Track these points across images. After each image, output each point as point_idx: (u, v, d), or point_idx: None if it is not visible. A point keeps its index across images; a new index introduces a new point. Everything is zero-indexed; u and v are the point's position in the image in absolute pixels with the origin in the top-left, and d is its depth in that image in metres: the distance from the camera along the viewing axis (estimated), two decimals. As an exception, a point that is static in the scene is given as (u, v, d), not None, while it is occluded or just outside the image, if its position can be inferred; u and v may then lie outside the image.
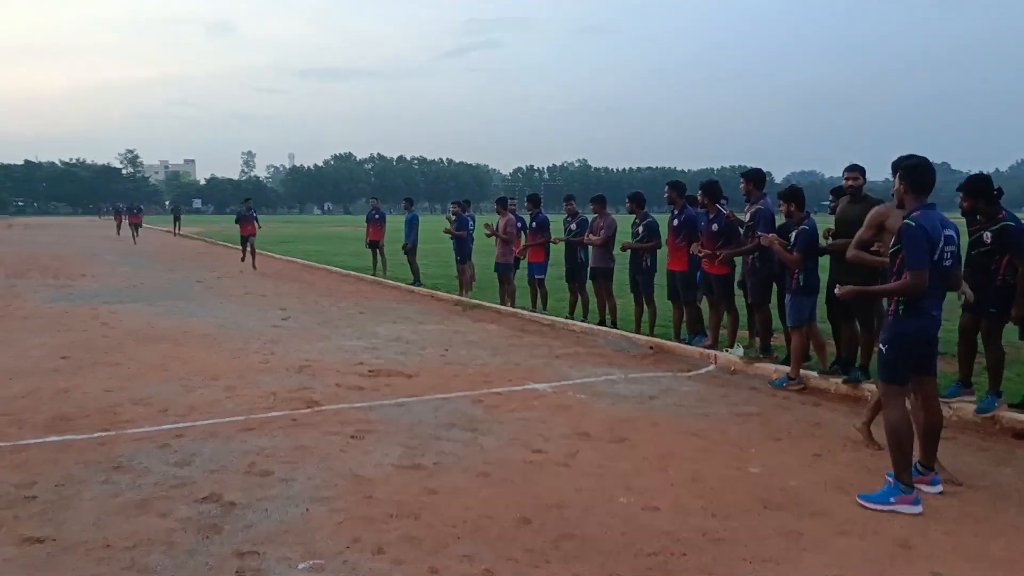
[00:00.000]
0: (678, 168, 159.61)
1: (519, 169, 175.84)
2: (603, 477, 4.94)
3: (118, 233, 39.66)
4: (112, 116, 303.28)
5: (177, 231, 42.64)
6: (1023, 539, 4.05)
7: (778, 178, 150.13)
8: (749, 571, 3.71)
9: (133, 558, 3.76)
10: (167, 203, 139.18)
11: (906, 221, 4.44)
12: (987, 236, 6.02)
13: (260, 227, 22.46)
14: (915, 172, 4.53)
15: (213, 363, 8.33)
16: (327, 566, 3.70)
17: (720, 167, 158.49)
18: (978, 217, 6.14)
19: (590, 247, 10.85)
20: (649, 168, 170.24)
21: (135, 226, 37.02)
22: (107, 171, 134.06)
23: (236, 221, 22.23)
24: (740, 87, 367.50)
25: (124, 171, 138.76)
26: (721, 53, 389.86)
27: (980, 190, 6.07)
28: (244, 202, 22.61)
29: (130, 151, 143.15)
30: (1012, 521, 4.29)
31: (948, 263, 4.47)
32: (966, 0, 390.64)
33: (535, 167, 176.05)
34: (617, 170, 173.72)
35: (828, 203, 8.00)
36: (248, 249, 21.21)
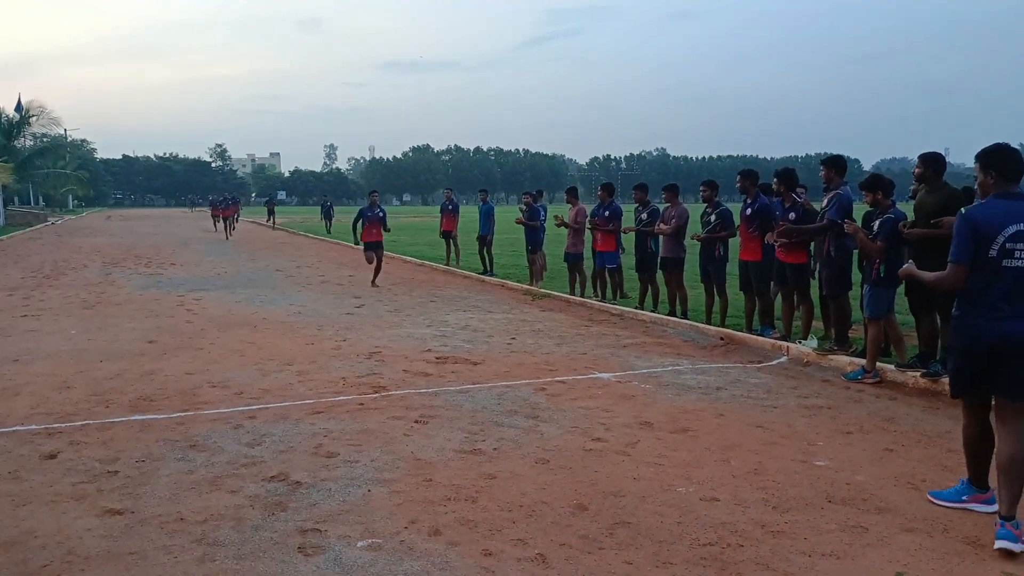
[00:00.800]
0: (760, 156, 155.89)
1: (596, 159, 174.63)
2: (662, 467, 4.91)
3: (216, 228, 36.39)
4: (204, 111, 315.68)
5: (272, 224, 40.88)
6: (1108, 543, 3.83)
7: (866, 165, 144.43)
8: (807, 565, 3.63)
9: (204, 532, 3.95)
10: (254, 195, 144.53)
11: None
12: None
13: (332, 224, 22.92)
14: (994, 157, 4.02)
15: (288, 349, 8.62)
16: (384, 545, 3.81)
17: (805, 154, 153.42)
18: None
19: (660, 236, 10.73)
20: (730, 156, 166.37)
21: (228, 220, 33.25)
22: (198, 164, 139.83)
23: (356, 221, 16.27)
24: (828, 72, 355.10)
25: (213, 164, 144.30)
26: (808, 38, 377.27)
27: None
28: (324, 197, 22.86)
29: (219, 145, 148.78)
30: (1097, 523, 4.05)
31: (1011, 263, 3.79)
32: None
33: (612, 156, 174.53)
34: (696, 159, 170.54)
35: (910, 188, 7.69)
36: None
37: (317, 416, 6.00)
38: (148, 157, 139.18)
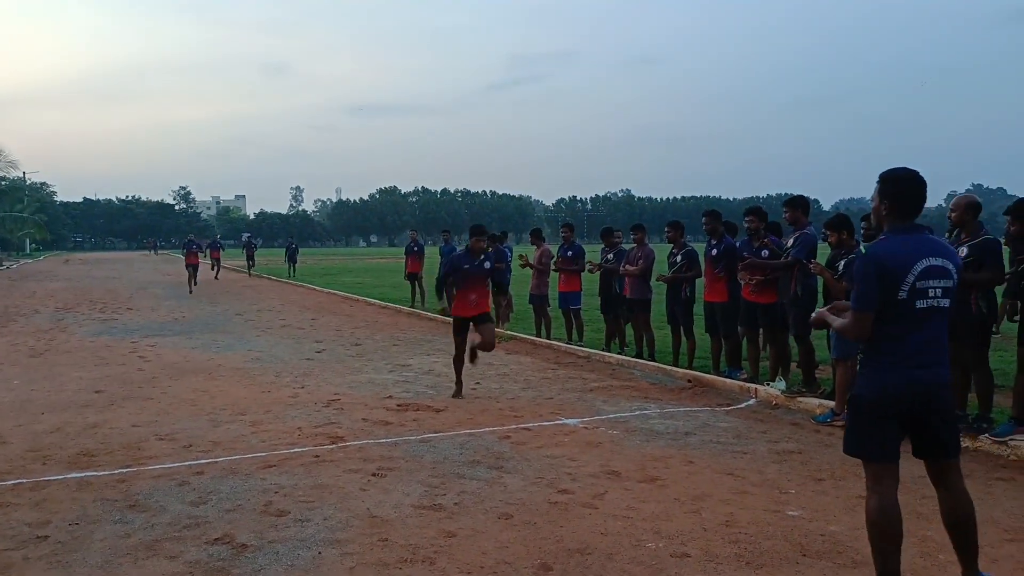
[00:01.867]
0: (723, 197, 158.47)
1: (562, 200, 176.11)
2: (631, 520, 4.69)
3: (192, 282, 25.69)
4: (168, 154, 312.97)
5: (251, 271, 34.65)
6: (1091, 595, 3.69)
7: (826, 205, 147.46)
8: (784, 627, 3.42)
9: (136, 604, 3.64)
10: (218, 237, 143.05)
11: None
12: None
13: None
14: (892, 186, 3.49)
15: (243, 397, 8.29)
16: (333, 615, 3.53)
17: (766, 195, 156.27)
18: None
19: (626, 277, 10.63)
20: (693, 197, 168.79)
21: (194, 267, 26.19)
22: (161, 207, 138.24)
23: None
24: (787, 116, 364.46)
25: (177, 207, 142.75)
26: (768, 83, 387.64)
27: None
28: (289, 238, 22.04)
29: (183, 187, 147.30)
30: (1078, 574, 3.92)
31: (925, 303, 3.36)
32: None
33: (578, 198, 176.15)
34: (661, 200, 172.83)
35: (862, 227, 7.66)
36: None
37: (269, 470, 5.69)
38: (110, 200, 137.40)
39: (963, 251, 6.04)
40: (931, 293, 3.36)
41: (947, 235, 6.81)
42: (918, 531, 4.47)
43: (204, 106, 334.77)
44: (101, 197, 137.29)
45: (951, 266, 3.43)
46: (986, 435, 6.04)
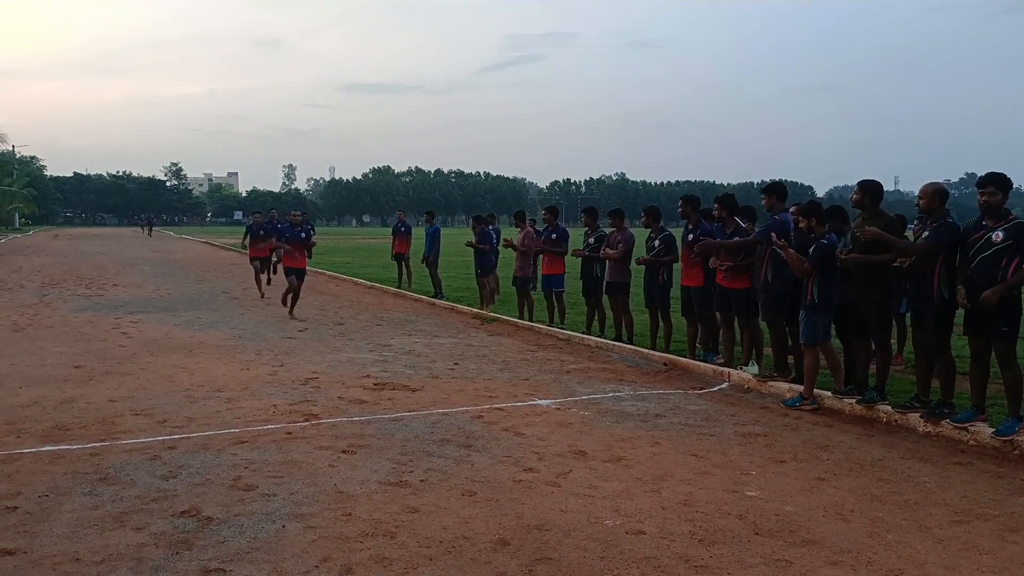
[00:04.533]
0: (716, 182, 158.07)
1: (556, 183, 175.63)
2: (592, 498, 4.79)
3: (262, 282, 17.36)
4: (160, 129, 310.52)
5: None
6: (1029, 575, 3.81)
7: (820, 192, 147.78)
8: (728, 602, 3.53)
9: (99, 573, 3.71)
10: (209, 215, 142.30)
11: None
12: (997, 235, 5.74)
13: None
14: None
15: (221, 374, 8.35)
16: (292, 586, 3.62)
17: (760, 180, 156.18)
18: (985, 222, 5.87)
19: (607, 261, 10.70)
20: (687, 182, 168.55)
21: (262, 262, 17.47)
22: (152, 183, 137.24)
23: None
24: (782, 101, 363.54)
25: (168, 183, 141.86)
26: (764, 69, 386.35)
27: (1001, 183, 5.83)
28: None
29: (174, 164, 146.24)
30: (1018, 556, 4.03)
31: None
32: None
33: (572, 180, 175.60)
34: (655, 184, 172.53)
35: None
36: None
37: (240, 446, 5.76)
38: (100, 175, 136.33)
39: (926, 235, 6.17)
40: None
41: (915, 222, 6.90)
42: (870, 512, 4.59)
43: (196, 82, 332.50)
44: (92, 172, 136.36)
45: None
46: (947, 421, 6.16)
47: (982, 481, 5.21)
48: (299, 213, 14.96)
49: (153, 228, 72.39)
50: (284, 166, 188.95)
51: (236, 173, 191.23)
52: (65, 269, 24.64)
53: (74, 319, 12.73)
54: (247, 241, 17.64)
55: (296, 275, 13.40)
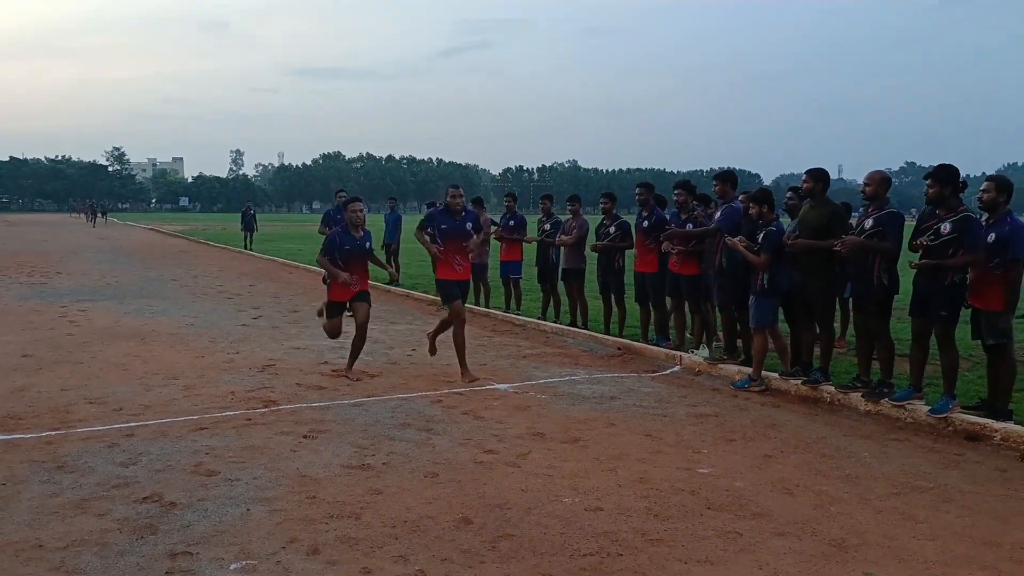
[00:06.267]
0: (667, 169, 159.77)
1: (509, 169, 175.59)
2: (551, 478, 4.93)
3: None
4: (103, 114, 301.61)
5: (249, 245, 28.16)
6: (959, 542, 4.07)
7: (767, 179, 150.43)
8: (683, 571, 3.70)
9: (63, 559, 3.72)
10: (154, 201, 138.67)
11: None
12: (945, 227, 6.00)
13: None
14: None
15: (175, 362, 8.28)
16: (259, 567, 3.68)
17: (709, 168, 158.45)
18: (937, 212, 6.13)
19: (562, 248, 10.85)
20: (639, 169, 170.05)
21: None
22: (94, 168, 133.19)
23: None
24: (732, 90, 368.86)
25: (111, 168, 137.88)
26: (713, 56, 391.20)
27: (948, 178, 6.09)
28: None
29: (117, 148, 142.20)
30: (951, 524, 4.30)
31: None
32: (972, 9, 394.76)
33: (525, 167, 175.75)
34: (607, 171, 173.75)
35: (786, 199, 7.99)
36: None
37: (200, 433, 5.76)
38: (39, 159, 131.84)
39: (869, 222, 6.42)
40: None
41: (861, 208, 7.17)
42: (815, 486, 4.83)
43: (140, 65, 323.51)
44: (29, 156, 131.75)
45: None
46: (887, 399, 6.46)
47: (918, 456, 5.50)
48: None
49: (104, 215, 62.10)
50: (232, 151, 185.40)
51: (181, 158, 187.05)
52: (5, 256, 23.90)
53: (19, 307, 12.42)
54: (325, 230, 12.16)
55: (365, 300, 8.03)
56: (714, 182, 8.48)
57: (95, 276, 18.03)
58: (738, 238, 7.51)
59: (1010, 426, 5.80)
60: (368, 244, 7.94)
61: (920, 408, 6.28)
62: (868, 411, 6.56)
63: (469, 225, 7.87)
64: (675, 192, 8.89)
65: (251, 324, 11.08)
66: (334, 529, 4.10)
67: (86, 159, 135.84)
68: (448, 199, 7.90)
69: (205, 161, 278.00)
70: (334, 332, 8.19)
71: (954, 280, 5.96)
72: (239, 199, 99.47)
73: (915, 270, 6.12)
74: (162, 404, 6.56)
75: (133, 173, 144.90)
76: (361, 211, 7.89)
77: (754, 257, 7.29)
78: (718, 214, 8.28)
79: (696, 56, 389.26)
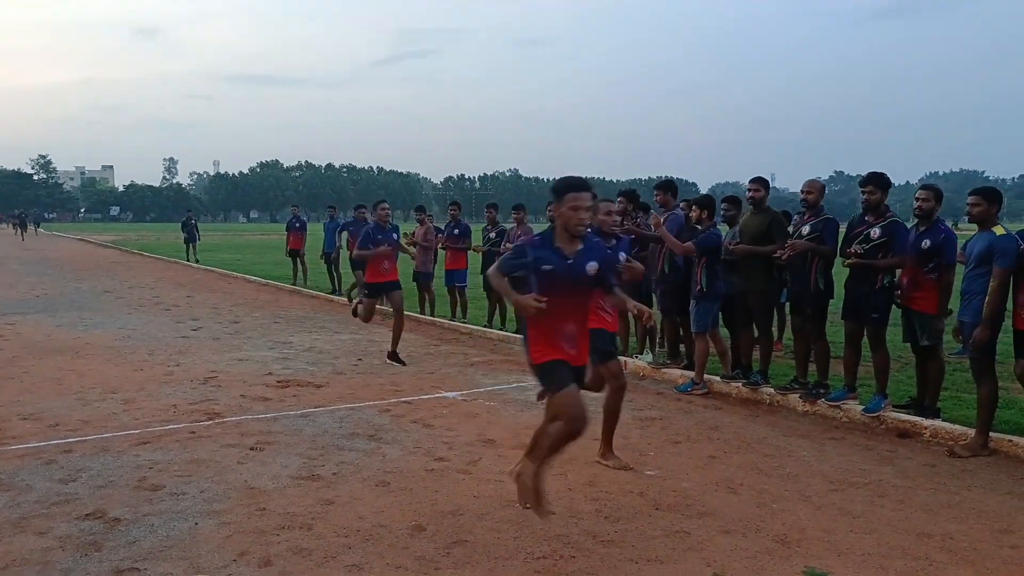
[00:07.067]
0: (607, 178, 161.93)
1: (450, 178, 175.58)
2: (502, 483, 4.97)
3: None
4: (28, 121, 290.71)
5: (195, 256, 26.47)
6: (895, 534, 4.26)
7: (704, 187, 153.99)
8: (634, 571, 3.79)
9: (3, 579, 3.61)
10: (83, 211, 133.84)
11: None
12: (875, 231, 6.27)
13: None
14: None
15: (113, 376, 8.06)
16: (210, 581, 3.63)
17: (648, 177, 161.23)
18: (867, 218, 6.39)
19: (507, 256, 10.90)
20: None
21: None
22: (17, 177, 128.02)
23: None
24: (667, 99, 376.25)
25: (36, 177, 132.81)
26: (647, 66, 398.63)
27: (886, 185, 6.37)
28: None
29: (42, 156, 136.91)
30: (886, 517, 4.50)
31: None
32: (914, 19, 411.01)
33: (466, 176, 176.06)
34: (548, 180, 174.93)
35: (723, 210, 8.21)
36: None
37: (143, 447, 5.63)
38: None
39: (806, 228, 6.68)
40: None
41: (798, 215, 7.42)
42: (757, 484, 4.99)
43: (69, 70, 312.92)
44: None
45: None
46: (823, 400, 6.70)
47: (854, 453, 5.72)
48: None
49: (36, 226, 59.45)
50: (165, 159, 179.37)
51: (112, 166, 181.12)
52: (-77, 269, 22.82)
53: (-59, 322, 11.89)
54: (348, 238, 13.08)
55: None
56: (655, 191, 8.68)
57: (22, 288, 17.37)
58: (662, 227, 7.72)
59: (939, 423, 6.09)
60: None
61: (855, 407, 6.53)
62: (806, 411, 6.80)
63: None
64: (617, 200, 9.04)
65: (191, 336, 10.84)
66: (286, 540, 4.06)
67: (10, 167, 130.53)
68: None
69: (137, 170, 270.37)
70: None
71: (884, 283, 6.23)
72: (173, 208, 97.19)
73: (848, 271, 6.38)
74: (101, 419, 6.38)
75: (60, 182, 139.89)
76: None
77: (675, 241, 7.54)
78: (663, 219, 8.46)
79: (633, 66, 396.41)
